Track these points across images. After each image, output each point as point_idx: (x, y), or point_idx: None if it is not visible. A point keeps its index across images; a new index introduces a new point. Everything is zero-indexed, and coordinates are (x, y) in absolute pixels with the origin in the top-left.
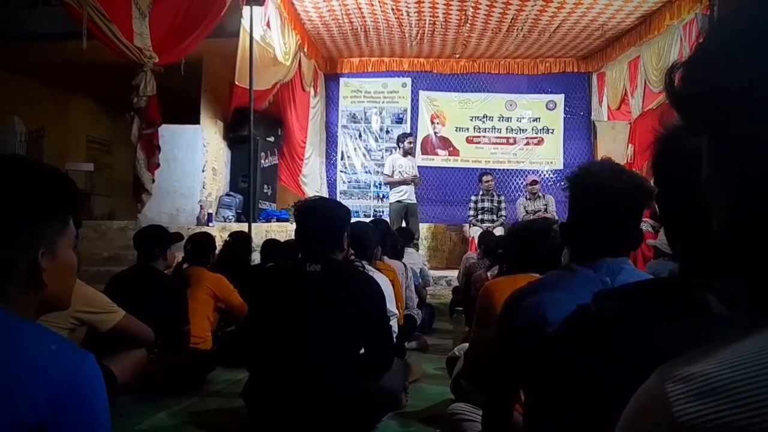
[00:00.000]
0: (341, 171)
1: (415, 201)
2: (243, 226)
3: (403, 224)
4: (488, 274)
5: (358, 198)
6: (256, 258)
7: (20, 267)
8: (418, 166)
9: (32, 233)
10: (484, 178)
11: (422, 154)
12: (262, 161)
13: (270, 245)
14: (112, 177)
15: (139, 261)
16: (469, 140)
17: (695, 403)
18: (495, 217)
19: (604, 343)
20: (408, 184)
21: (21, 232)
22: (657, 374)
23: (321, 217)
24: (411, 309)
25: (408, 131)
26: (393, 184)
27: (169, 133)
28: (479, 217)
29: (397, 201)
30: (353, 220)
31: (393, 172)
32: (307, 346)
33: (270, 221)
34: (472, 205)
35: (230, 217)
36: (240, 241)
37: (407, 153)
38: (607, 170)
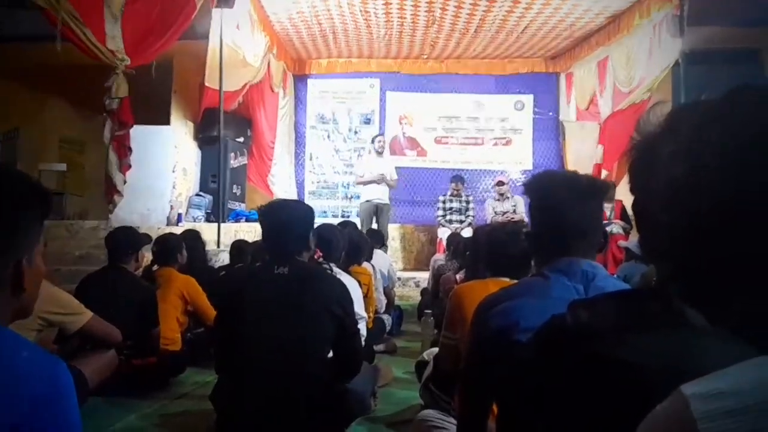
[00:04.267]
0: (310, 171)
1: (386, 201)
2: (212, 227)
3: (374, 225)
4: (457, 276)
5: (327, 198)
6: (224, 258)
7: (6, 274)
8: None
9: (19, 241)
10: (452, 184)
11: (390, 154)
12: (232, 161)
13: (239, 246)
14: (84, 176)
15: (110, 262)
16: (437, 140)
17: (725, 420)
18: (463, 218)
19: (578, 354)
20: (376, 183)
21: (10, 240)
22: (678, 393)
23: (283, 219)
24: (380, 312)
25: (378, 132)
26: (362, 184)
27: (140, 133)
28: (447, 217)
29: (367, 201)
30: (321, 221)
31: (363, 172)
32: (275, 348)
33: (239, 221)
34: (440, 205)
35: (200, 217)
36: (190, 240)
37: (379, 152)
38: (560, 174)
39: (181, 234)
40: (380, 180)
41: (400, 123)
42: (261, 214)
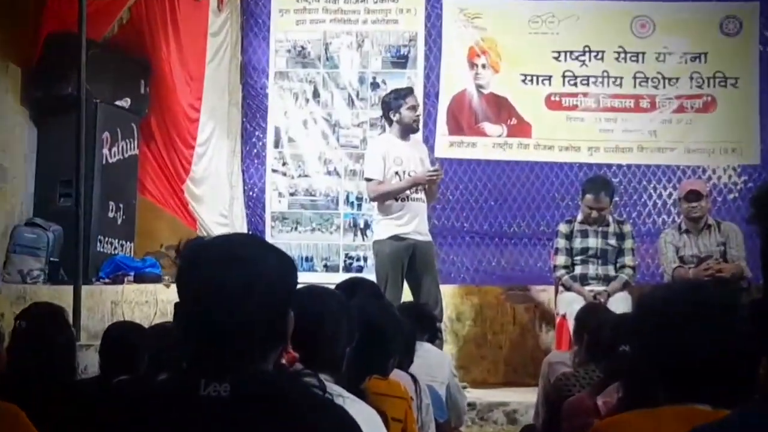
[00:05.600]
0: (276, 170)
1: (428, 237)
2: (63, 294)
3: (403, 288)
4: (599, 401)
5: (313, 230)
6: (91, 364)
7: None
8: (441, 159)
9: None
10: (588, 197)
11: (449, 133)
12: (106, 151)
13: (122, 337)
14: None
15: None
16: (552, 102)
17: None
18: (611, 270)
19: None
20: (415, 195)
21: None
22: None
23: (233, 282)
24: None
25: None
26: (384, 199)
27: None
28: (577, 269)
29: (393, 237)
30: (300, 280)
31: (385, 171)
32: None
33: (121, 282)
34: (561, 243)
35: (35, 274)
36: (42, 328)
37: (408, 130)
38: None
39: (22, 314)
40: (421, 183)
41: (473, 64)
42: (184, 262)
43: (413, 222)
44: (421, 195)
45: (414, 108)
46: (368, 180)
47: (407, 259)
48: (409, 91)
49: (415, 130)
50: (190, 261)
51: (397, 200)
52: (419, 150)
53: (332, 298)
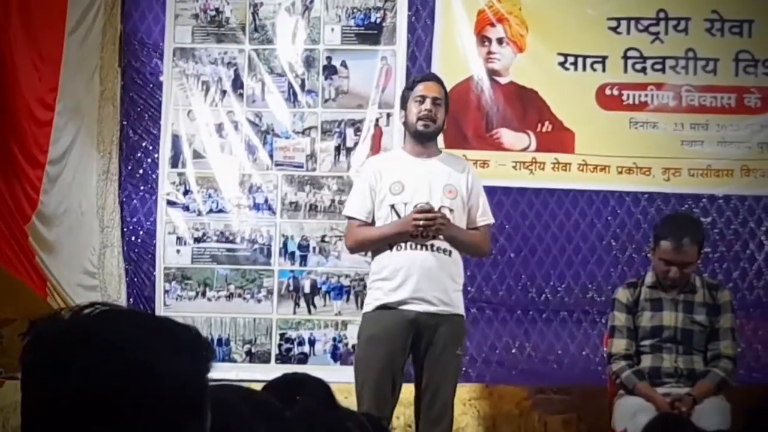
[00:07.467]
0: (173, 203)
1: (450, 306)
2: None
3: (400, 391)
4: None
5: (230, 296)
6: None
7: None
8: None
9: None
10: (666, 244)
11: (447, 145)
12: None
13: None
14: None
15: None
16: (607, 98)
17: None
18: (699, 364)
19: None
20: (418, 242)
21: None
22: None
23: (101, 387)
24: None
25: (414, 74)
26: (361, 250)
27: None
28: (644, 362)
29: (381, 307)
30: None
31: (372, 205)
32: None
33: None
34: (620, 319)
35: None
36: None
37: (417, 135)
38: None
39: None
40: (407, 232)
41: (484, 39)
42: (31, 355)
43: (411, 281)
44: (439, 240)
45: (422, 99)
46: (348, 219)
47: (407, 345)
48: (427, 77)
49: (423, 136)
50: (39, 355)
51: (390, 248)
52: (452, 170)
53: (257, 408)
